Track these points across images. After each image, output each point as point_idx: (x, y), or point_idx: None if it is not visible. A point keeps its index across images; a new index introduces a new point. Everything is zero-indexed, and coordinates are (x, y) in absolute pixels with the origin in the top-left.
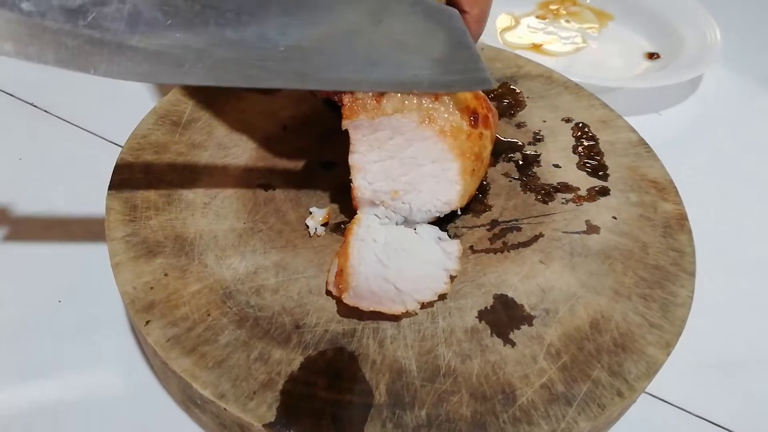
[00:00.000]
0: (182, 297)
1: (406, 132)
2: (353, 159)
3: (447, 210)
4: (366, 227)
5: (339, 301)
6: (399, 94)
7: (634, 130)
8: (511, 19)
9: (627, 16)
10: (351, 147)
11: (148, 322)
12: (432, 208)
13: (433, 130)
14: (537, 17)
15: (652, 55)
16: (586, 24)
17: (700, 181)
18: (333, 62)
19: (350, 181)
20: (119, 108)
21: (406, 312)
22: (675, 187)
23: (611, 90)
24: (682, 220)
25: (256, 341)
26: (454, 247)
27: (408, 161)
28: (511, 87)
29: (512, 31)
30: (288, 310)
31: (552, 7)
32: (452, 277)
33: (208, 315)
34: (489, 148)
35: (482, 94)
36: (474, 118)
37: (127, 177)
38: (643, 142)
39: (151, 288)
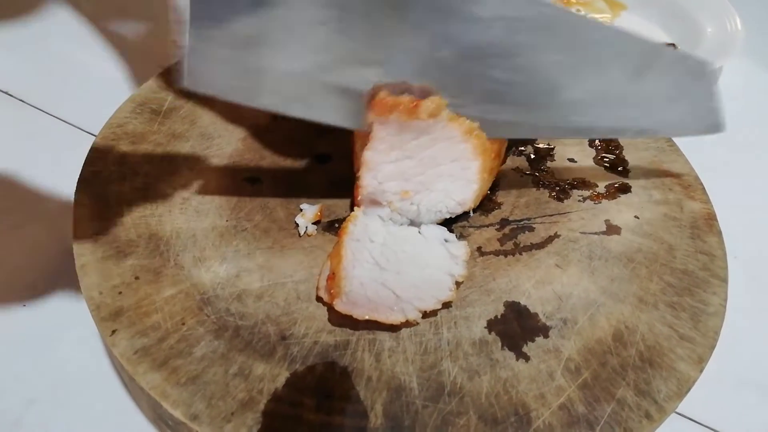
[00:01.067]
0: (154, 303)
1: (432, 132)
2: (368, 156)
3: (459, 211)
4: (363, 226)
5: (331, 309)
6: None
7: None
8: None
9: (641, 5)
10: (369, 143)
11: (114, 332)
12: (443, 209)
13: (461, 129)
14: None
15: (669, 46)
16: (598, 14)
17: (724, 180)
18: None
19: (355, 177)
20: (96, 96)
21: (406, 322)
22: (701, 184)
23: None
24: (710, 220)
25: (235, 354)
26: (462, 249)
27: (427, 161)
28: None
29: None
30: (273, 318)
31: None
32: (458, 283)
33: (183, 324)
34: (506, 143)
35: None
36: None
37: (99, 169)
38: (665, 137)
39: (120, 293)
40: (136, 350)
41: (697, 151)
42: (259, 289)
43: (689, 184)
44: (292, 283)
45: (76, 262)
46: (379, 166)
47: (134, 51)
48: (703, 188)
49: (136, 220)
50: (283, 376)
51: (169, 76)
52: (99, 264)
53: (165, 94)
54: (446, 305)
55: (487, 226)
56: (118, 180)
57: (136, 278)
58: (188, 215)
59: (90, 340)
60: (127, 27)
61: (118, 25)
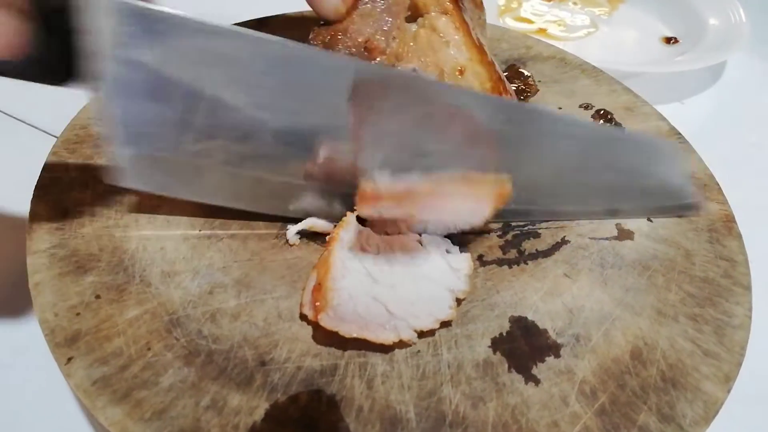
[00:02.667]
0: (116, 326)
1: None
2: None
3: (467, 228)
4: (356, 232)
5: (316, 328)
6: None
7: (663, 118)
8: (513, 1)
9: None
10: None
11: (70, 359)
12: (452, 227)
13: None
14: None
15: (669, 40)
16: (595, 7)
17: (735, 178)
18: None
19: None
20: (57, 94)
21: (399, 341)
22: (717, 184)
23: (628, 77)
24: (729, 222)
25: (208, 383)
26: (465, 263)
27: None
28: (520, 70)
29: (514, 13)
30: (251, 341)
31: None
32: (459, 300)
33: (148, 349)
34: None
35: (502, 75)
36: None
37: (59, 175)
38: (675, 132)
39: (78, 314)
40: (95, 380)
41: (709, 149)
42: (236, 307)
43: (704, 184)
44: (272, 299)
45: (29, 279)
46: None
47: None
48: (719, 188)
49: (98, 232)
50: (262, 408)
51: None
52: (55, 281)
53: None
54: (445, 324)
55: (488, 232)
56: (80, 187)
57: (97, 297)
58: (157, 225)
59: (48, 365)
60: None
61: None
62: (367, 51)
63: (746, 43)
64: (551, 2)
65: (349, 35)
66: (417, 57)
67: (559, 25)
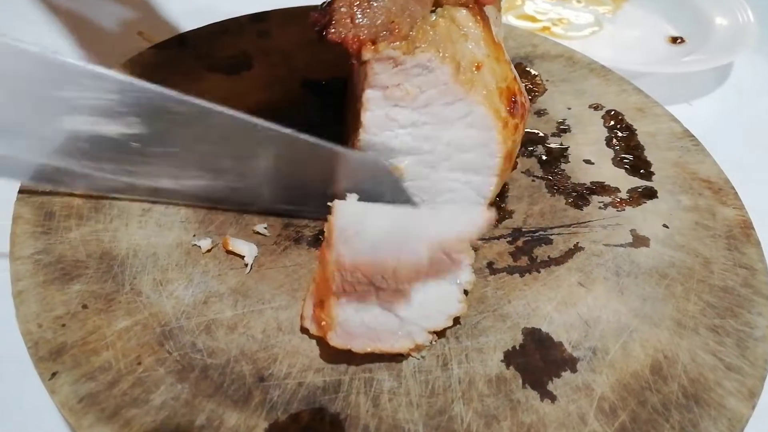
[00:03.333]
0: (104, 338)
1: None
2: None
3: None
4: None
5: (319, 341)
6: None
7: (676, 119)
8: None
9: None
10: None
11: (54, 374)
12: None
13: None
14: None
15: (675, 39)
16: (599, 5)
17: (748, 181)
18: None
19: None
20: None
21: (416, 347)
22: (733, 188)
23: (635, 77)
24: (747, 228)
25: (203, 401)
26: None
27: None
28: (527, 68)
29: (517, 11)
30: (249, 354)
31: None
32: (466, 292)
33: (139, 363)
34: (518, 148)
35: (517, 76)
36: (513, 103)
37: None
38: (688, 134)
39: (63, 325)
40: (81, 398)
41: (719, 152)
42: (232, 318)
43: (720, 188)
44: (271, 310)
45: (11, 287)
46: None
47: (92, 42)
48: (735, 192)
49: (86, 236)
50: (261, 428)
51: (132, 70)
52: (40, 290)
53: None
54: (456, 321)
55: (498, 238)
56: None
57: (84, 307)
58: (148, 229)
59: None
60: (85, 14)
61: (75, 12)
62: (389, 31)
63: (754, 44)
64: (554, 0)
65: (373, 7)
66: (435, 47)
67: (563, 23)
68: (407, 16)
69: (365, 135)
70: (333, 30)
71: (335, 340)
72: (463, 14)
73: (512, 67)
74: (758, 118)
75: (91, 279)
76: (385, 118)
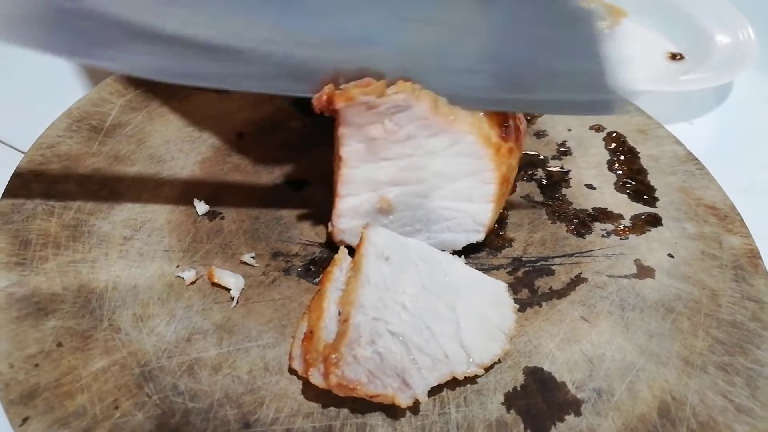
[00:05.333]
0: (80, 379)
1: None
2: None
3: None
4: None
5: (307, 382)
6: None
7: (679, 142)
8: None
9: (643, 11)
10: (341, 138)
11: (26, 420)
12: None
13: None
14: None
15: (675, 56)
16: (597, 20)
17: (749, 203)
18: None
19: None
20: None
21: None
22: (739, 215)
23: (635, 95)
24: (754, 258)
25: None
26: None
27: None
28: None
29: None
30: (233, 398)
31: None
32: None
33: (116, 408)
34: (516, 169)
35: None
36: (506, 128)
37: (22, 202)
38: (692, 157)
39: (37, 365)
40: None
41: (722, 174)
42: (217, 357)
43: (725, 215)
44: (258, 348)
45: None
46: (362, 164)
47: None
48: (741, 219)
49: (63, 267)
50: None
51: (116, 87)
52: (12, 326)
53: (109, 108)
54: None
55: (497, 268)
56: (44, 215)
57: (59, 345)
58: (129, 260)
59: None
60: None
61: None
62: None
63: (755, 62)
64: None
65: None
66: (409, 85)
67: None
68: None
69: (346, 169)
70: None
71: (336, 384)
72: None
73: None
74: (760, 137)
75: (67, 314)
76: (365, 151)
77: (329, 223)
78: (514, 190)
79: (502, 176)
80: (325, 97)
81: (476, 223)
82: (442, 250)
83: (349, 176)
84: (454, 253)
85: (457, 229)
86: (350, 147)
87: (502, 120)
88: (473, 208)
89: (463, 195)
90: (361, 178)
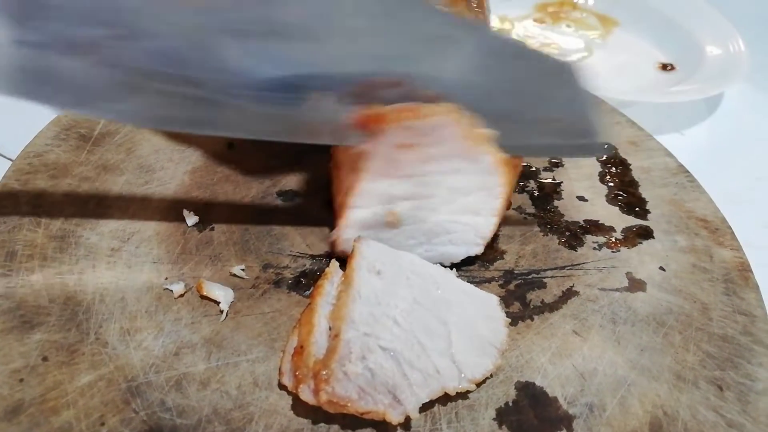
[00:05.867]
0: (66, 395)
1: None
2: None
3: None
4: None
5: (297, 398)
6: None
7: (670, 154)
8: (505, 23)
9: (635, 21)
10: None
11: None
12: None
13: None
14: (534, 21)
15: (666, 66)
16: (588, 30)
17: (744, 214)
18: None
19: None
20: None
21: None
22: (730, 228)
23: (625, 105)
24: (745, 271)
25: None
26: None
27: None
28: None
29: (506, 35)
30: (222, 414)
31: (550, 10)
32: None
33: (102, 424)
34: (514, 184)
35: None
36: None
37: (8, 211)
38: (683, 170)
39: (21, 380)
40: None
41: (713, 185)
42: (205, 372)
43: (716, 228)
44: (247, 363)
45: None
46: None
47: None
48: (732, 233)
49: (49, 279)
50: None
51: None
52: None
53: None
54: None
55: (489, 281)
56: (31, 226)
57: (44, 359)
58: (117, 271)
59: None
60: None
61: None
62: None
63: (746, 73)
64: (544, 24)
65: None
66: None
67: (553, 48)
68: None
69: (364, 183)
70: None
71: (327, 401)
72: None
73: None
74: (751, 148)
75: (54, 327)
76: (387, 167)
77: (332, 233)
78: (509, 205)
79: (509, 191)
80: (373, 116)
81: (477, 236)
82: (439, 263)
83: (364, 189)
84: (446, 266)
85: (458, 242)
86: (374, 163)
87: None
88: (479, 221)
89: (472, 209)
90: (375, 192)
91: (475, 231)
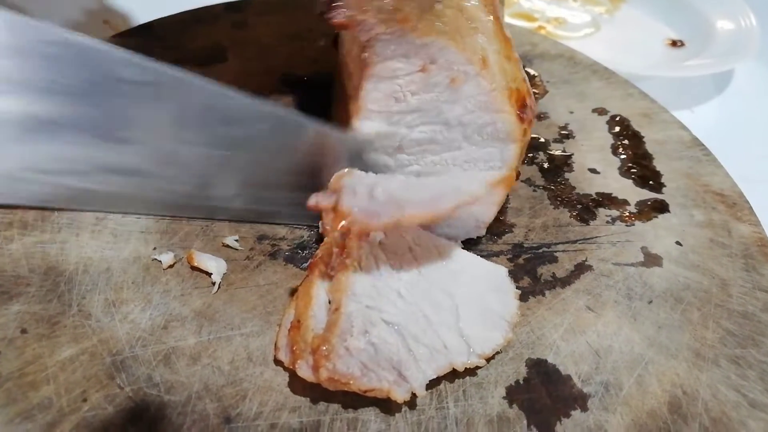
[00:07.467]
0: (45, 369)
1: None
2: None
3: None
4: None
5: (294, 374)
6: None
7: (684, 127)
8: None
9: None
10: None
11: None
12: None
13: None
14: None
15: (675, 43)
16: (596, 5)
17: (754, 193)
18: None
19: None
20: None
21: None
22: (748, 202)
23: (634, 80)
24: (765, 246)
25: None
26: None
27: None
28: (525, 68)
29: (512, 9)
30: (213, 390)
31: None
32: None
33: (84, 400)
34: (524, 152)
35: (526, 77)
36: (523, 107)
37: None
38: (698, 143)
39: None
40: None
41: (727, 164)
42: (196, 346)
43: (734, 202)
44: (240, 337)
45: None
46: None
47: None
48: (750, 207)
49: (29, 248)
50: None
51: None
52: None
53: None
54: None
55: (497, 254)
56: None
57: (23, 332)
58: (102, 240)
59: None
60: (49, 1)
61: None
62: (400, 22)
63: (757, 49)
64: None
65: None
66: (444, 39)
67: (560, 22)
68: (419, 7)
69: (367, 105)
70: (337, 11)
71: (327, 378)
72: (471, 4)
73: (521, 65)
74: (761, 126)
75: (33, 298)
76: (389, 93)
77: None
78: (518, 176)
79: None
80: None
81: (501, 161)
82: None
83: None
84: (451, 239)
85: (457, 227)
86: (376, 84)
87: (521, 98)
88: (496, 149)
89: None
90: (379, 117)
91: (476, 219)
